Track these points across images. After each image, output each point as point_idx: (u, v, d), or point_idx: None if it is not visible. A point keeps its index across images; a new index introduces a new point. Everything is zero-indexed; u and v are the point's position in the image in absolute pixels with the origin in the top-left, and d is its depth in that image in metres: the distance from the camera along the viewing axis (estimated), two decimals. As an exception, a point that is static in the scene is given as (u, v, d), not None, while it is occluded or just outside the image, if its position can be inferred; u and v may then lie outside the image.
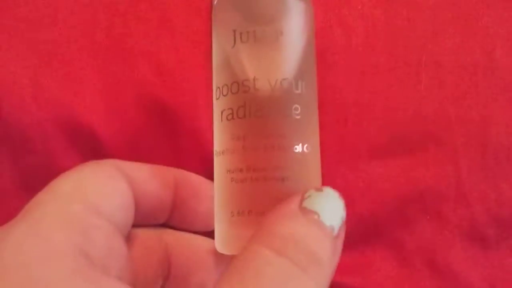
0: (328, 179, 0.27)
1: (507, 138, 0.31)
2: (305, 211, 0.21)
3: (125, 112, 0.32)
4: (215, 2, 0.28)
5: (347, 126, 0.32)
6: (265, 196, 0.24)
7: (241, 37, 0.25)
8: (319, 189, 0.23)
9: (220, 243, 0.27)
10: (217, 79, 0.27)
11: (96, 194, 0.24)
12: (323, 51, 0.31)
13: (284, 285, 0.19)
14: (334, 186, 0.31)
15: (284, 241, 0.20)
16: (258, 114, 0.25)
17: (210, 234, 0.30)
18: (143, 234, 0.29)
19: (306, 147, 0.25)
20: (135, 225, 0.27)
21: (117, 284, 0.20)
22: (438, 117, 0.31)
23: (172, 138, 0.32)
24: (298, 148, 0.25)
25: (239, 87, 0.25)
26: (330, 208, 0.22)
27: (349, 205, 0.32)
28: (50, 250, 0.20)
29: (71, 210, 0.22)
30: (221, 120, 0.26)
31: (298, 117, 0.25)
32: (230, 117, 0.25)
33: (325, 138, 0.27)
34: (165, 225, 0.30)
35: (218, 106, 0.26)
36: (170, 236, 0.30)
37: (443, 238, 0.32)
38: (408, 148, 0.32)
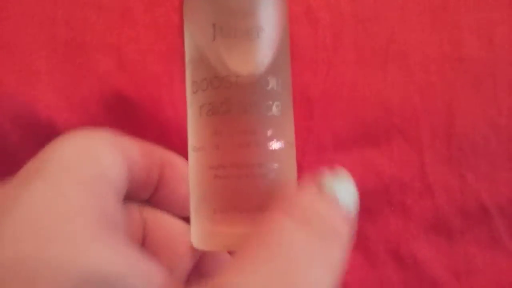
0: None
1: (473, 129, 0.32)
2: (325, 195, 0.22)
3: (86, 107, 0.30)
4: None
5: (313, 118, 0.32)
6: (250, 193, 0.24)
7: (222, 32, 0.24)
8: (333, 173, 0.23)
9: (198, 239, 0.26)
10: (194, 73, 0.26)
11: (102, 161, 0.23)
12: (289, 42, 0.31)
13: (310, 256, 0.20)
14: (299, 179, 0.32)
15: (307, 213, 0.21)
16: (242, 111, 0.24)
17: (187, 219, 0.30)
18: (125, 206, 0.28)
19: (286, 143, 0.25)
20: None
21: (129, 250, 0.20)
22: (403, 108, 0.32)
23: (135, 132, 0.31)
24: (280, 144, 0.25)
25: (220, 82, 0.24)
26: (347, 193, 0.23)
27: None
28: (71, 212, 0.19)
29: (86, 172, 0.21)
30: (200, 115, 0.25)
31: (279, 113, 0.25)
32: (211, 112, 0.25)
33: None
34: (146, 203, 0.29)
35: (196, 100, 0.26)
36: (150, 214, 0.29)
37: (408, 229, 0.33)
38: (373, 140, 0.32)
